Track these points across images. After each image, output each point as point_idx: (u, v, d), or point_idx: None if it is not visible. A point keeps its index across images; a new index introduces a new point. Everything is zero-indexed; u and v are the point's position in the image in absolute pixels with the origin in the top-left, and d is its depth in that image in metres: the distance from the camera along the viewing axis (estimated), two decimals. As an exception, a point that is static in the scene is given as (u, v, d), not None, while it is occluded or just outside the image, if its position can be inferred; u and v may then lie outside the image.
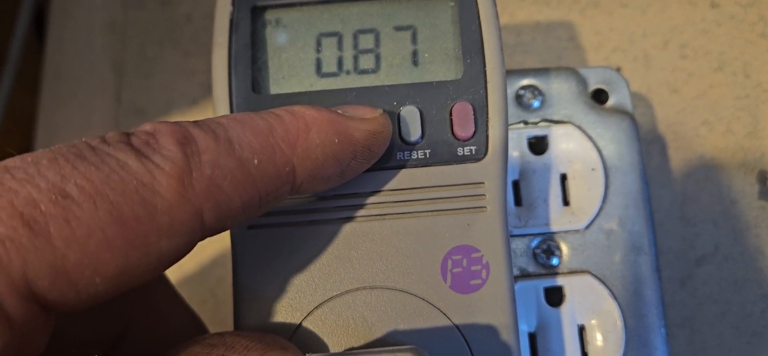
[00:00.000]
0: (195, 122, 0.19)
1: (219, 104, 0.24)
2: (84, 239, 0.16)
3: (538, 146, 0.29)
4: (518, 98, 0.30)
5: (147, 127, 0.18)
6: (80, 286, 0.16)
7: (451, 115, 0.24)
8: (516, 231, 0.28)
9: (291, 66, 0.25)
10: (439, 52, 0.25)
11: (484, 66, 0.24)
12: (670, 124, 0.38)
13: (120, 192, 0.16)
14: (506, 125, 0.24)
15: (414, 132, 0.24)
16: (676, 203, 0.37)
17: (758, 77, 0.38)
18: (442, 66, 0.25)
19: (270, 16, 0.25)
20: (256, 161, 0.19)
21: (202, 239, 0.18)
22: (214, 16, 0.25)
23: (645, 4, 0.40)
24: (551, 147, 0.29)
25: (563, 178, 0.29)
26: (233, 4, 0.25)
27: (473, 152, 0.24)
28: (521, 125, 0.30)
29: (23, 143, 0.39)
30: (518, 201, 0.29)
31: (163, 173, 0.17)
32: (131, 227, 0.16)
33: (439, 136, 0.24)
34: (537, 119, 0.30)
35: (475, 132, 0.24)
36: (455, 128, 0.24)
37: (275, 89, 0.25)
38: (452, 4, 0.25)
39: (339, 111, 0.21)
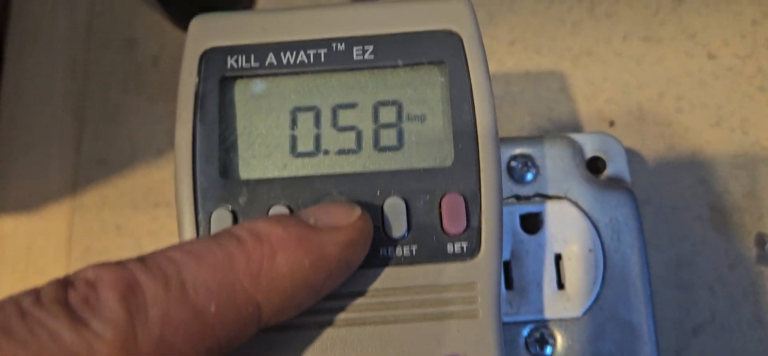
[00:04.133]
0: (143, 260, 0.16)
1: (181, 191, 0.22)
2: None
3: (532, 223, 0.27)
4: (510, 169, 0.28)
5: (89, 273, 0.16)
6: None
7: (440, 207, 0.22)
8: (507, 318, 0.26)
9: (263, 145, 0.23)
10: (426, 133, 0.22)
11: (477, 152, 0.22)
12: (665, 182, 0.36)
13: None
14: (501, 220, 0.22)
15: (399, 227, 0.21)
16: (671, 268, 0.35)
17: (757, 134, 0.37)
18: (430, 150, 0.22)
19: (240, 87, 0.23)
20: (213, 308, 0.16)
21: None
22: (178, 87, 0.23)
23: (640, 54, 0.38)
24: (546, 225, 0.27)
25: (558, 258, 0.27)
26: (199, 74, 0.23)
27: (464, 249, 0.21)
28: (513, 199, 0.27)
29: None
30: (509, 284, 0.27)
31: (102, 342, 0.14)
32: None
33: (427, 231, 0.22)
34: (530, 193, 0.27)
35: (466, 227, 0.21)
36: (445, 223, 0.21)
37: (245, 172, 0.22)
38: (442, 79, 0.23)
39: (310, 220, 0.19)
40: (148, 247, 0.35)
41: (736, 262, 0.35)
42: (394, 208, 0.22)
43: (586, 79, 0.38)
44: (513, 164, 0.28)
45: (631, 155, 0.36)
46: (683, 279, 0.35)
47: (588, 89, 0.37)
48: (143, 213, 0.36)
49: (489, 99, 0.22)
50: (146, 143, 0.36)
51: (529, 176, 0.28)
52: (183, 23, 0.37)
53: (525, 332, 0.26)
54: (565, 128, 0.37)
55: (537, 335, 0.26)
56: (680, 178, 0.36)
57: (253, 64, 0.23)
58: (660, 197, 0.36)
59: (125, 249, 0.35)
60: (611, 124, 0.37)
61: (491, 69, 0.38)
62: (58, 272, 0.36)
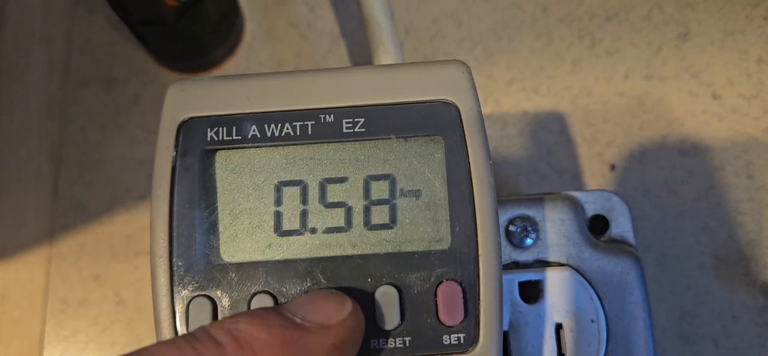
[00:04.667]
0: None
1: (157, 276, 0.20)
2: None
3: (532, 291, 0.26)
4: (509, 233, 0.26)
5: None
6: None
7: (436, 296, 0.20)
8: (505, 394, 0.25)
9: (246, 223, 0.21)
10: (421, 211, 0.21)
11: (476, 234, 0.20)
12: (667, 229, 0.35)
13: None
14: (501, 309, 0.20)
15: (392, 318, 0.20)
16: (673, 319, 0.34)
17: (762, 178, 0.35)
18: (425, 230, 0.21)
19: (221, 160, 0.21)
20: None
21: None
22: (154, 159, 0.21)
23: (642, 93, 0.36)
24: (546, 294, 0.25)
25: (558, 327, 0.26)
26: (176, 146, 0.21)
27: (461, 341, 0.20)
28: (512, 266, 0.26)
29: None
30: (508, 357, 0.25)
31: None
32: None
33: (422, 321, 0.20)
34: (530, 259, 0.26)
35: (464, 318, 0.20)
36: (441, 313, 0.20)
37: (226, 255, 0.21)
38: (439, 155, 0.21)
39: (297, 318, 0.17)
40: (129, 298, 0.34)
41: (741, 313, 0.34)
42: (386, 297, 0.20)
43: (586, 120, 0.36)
44: (511, 228, 0.26)
45: (632, 201, 0.35)
46: (686, 331, 0.34)
47: (588, 132, 0.36)
48: (123, 262, 0.34)
49: (488, 176, 0.21)
50: (126, 187, 0.35)
51: (529, 242, 0.26)
52: (165, 61, 0.35)
53: (524, 409, 0.25)
54: (565, 173, 0.35)
55: (537, 412, 0.25)
56: (683, 225, 0.35)
57: (235, 136, 0.21)
58: (662, 246, 0.35)
59: (104, 300, 0.34)
60: (612, 168, 0.36)
61: (488, 110, 0.36)
62: (34, 323, 0.34)
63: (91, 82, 0.36)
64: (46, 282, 0.34)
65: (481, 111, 0.21)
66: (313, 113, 0.21)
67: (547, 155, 0.36)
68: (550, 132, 0.36)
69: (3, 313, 0.34)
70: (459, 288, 0.20)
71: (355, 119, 0.21)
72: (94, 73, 0.36)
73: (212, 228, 0.21)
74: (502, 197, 0.27)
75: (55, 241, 0.34)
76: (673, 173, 0.36)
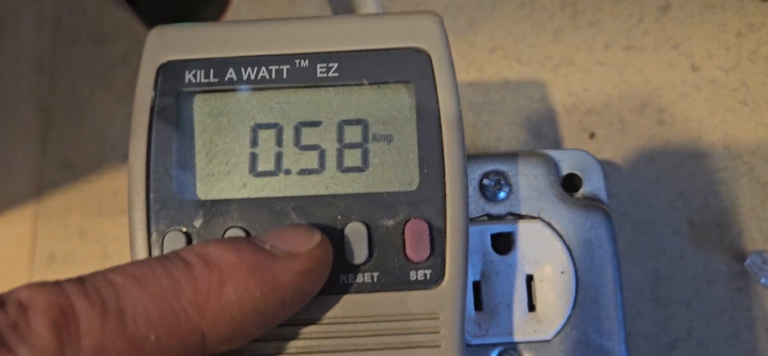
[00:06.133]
0: (82, 283, 0.16)
1: (134, 211, 0.21)
2: None
3: (503, 243, 0.26)
4: (483, 187, 0.27)
5: (22, 294, 0.15)
6: None
7: (403, 233, 0.21)
8: (475, 341, 0.25)
9: (222, 163, 0.22)
10: (392, 154, 0.22)
11: (443, 177, 0.21)
12: (644, 196, 0.36)
13: None
14: (466, 247, 0.21)
15: (360, 253, 0.21)
16: (648, 282, 0.35)
17: (738, 149, 0.36)
18: (395, 172, 0.21)
19: (199, 102, 0.22)
20: (153, 338, 0.15)
21: None
22: (134, 100, 0.22)
23: (622, 64, 0.37)
24: (518, 246, 0.26)
25: (529, 279, 0.26)
26: (155, 88, 0.22)
27: (427, 277, 0.21)
28: (485, 218, 0.27)
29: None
30: (479, 305, 0.26)
31: None
32: None
33: (389, 257, 0.21)
34: (502, 212, 0.27)
35: (430, 254, 0.21)
36: (408, 249, 0.21)
37: (202, 192, 0.21)
38: (410, 100, 0.22)
39: (266, 245, 0.18)
40: (115, 253, 0.35)
41: (714, 278, 0.35)
42: (355, 233, 0.21)
43: (567, 89, 0.37)
44: (485, 181, 0.27)
45: (611, 168, 0.36)
46: (660, 294, 0.34)
47: (568, 100, 0.37)
48: (109, 219, 0.35)
49: (457, 122, 0.21)
50: (114, 144, 0.35)
51: (502, 195, 0.27)
52: (152, 23, 0.35)
53: (494, 354, 0.26)
54: (545, 139, 0.36)
55: (506, 358, 0.25)
56: (659, 192, 0.36)
57: (212, 79, 0.22)
58: (638, 211, 0.35)
59: (91, 256, 0.34)
60: (592, 136, 0.36)
61: (471, 77, 0.37)
62: (21, 278, 0.35)
63: (81, 40, 0.37)
64: (33, 237, 0.35)
65: (452, 60, 0.22)
66: (288, 58, 0.22)
67: (527, 121, 0.36)
68: (531, 99, 0.37)
69: (-10, 266, 0.35)
70: (426, 225, 0.21)
71: (329, 64, 0.22)
72: (83, 31, 0.37)
73: (189, 167, 0.22)
74: (477, 154, 0.27)
75: (42, 197, 0.35)
76: (651, 142, 0.36)
